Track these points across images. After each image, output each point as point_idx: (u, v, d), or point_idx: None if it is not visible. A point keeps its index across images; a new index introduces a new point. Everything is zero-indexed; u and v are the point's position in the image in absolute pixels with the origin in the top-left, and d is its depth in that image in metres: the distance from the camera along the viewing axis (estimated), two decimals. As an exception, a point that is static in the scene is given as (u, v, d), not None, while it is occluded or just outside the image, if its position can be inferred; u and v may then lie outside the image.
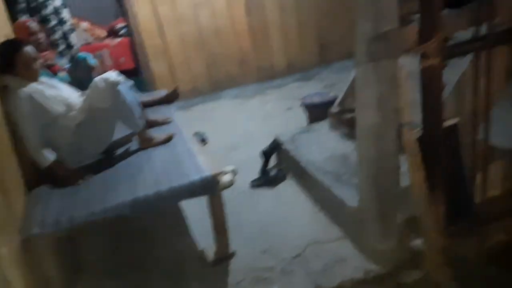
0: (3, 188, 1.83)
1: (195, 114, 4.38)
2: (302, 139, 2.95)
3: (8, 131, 2.17)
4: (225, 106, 4.51)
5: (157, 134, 2.59)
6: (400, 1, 2.37)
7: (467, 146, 2.02)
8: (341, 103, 2.94)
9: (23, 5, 3.57)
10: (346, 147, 2.73)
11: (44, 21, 3.58)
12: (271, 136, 3.53)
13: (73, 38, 3.87)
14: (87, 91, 2.40)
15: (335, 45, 4.92)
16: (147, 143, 2.53)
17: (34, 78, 2.32)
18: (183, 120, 3.00)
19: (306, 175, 2.66)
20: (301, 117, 3.74)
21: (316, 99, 3.36)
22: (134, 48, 4.46)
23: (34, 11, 3.65)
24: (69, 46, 3.89)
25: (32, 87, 2.28)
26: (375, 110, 1.85)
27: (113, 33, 5.80)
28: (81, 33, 5.26)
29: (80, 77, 3.04)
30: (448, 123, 1.95)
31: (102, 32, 5.78)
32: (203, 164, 2.21)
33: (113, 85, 2.35)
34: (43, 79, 2.43)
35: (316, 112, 3.31)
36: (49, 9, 3.70)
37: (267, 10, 4.60)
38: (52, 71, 2.96)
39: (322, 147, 2.80)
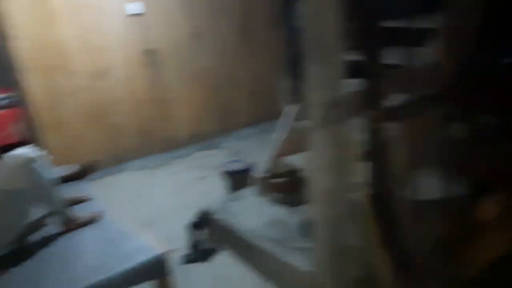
0: None
1: (100, 187, 4.02)
2: (233, 208, 2.89)
3: None
4: (130, 179, 4.24)
5: (81, 214, 2.29)
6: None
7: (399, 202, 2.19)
8: (267, 169, 2.98)
9: None
10: (280, 212, 2.74)
11: None
12: (188, 208, 3.41)
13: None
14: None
15: (234, 114, 5.08)
16: (70, 225, 2.21)
17: None
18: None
19: (244, 245, 2.58)
20: (216, 186, 3.69)
21: (237, 166, 3.37)
22: (27, 121, 4.00)
23: None
24: None
25: None
26: (329, 173, 1.91)
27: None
28: None
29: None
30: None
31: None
32: (147, 242, 2.00)
33: (28, 163, 2.05)
34: None
35: (238, 179, 3.30)
36: None
37: (170, 81, 4.60)
38: None
39: (256, 214, 2.77)
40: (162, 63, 4.52)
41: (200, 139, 4.86)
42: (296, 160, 2.85)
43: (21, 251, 2.08)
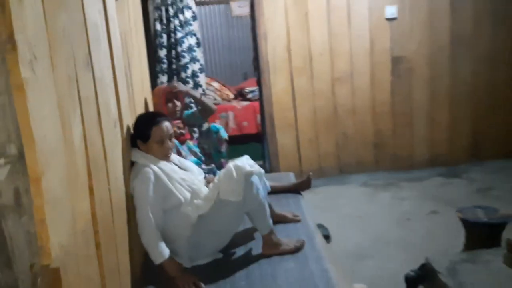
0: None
1: (317, 198, 3.88)
2: (465, 272, 2.25)
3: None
4: (351, 194, 3.95)
5: (286, 239, 2.12)
6: None
7: None
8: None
9: (164, 65, 3.51)
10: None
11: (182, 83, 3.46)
12: (408, 249, 2.91)
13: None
14: (217, 179, 2.05)
15: (490, 142, 4.17)
16: (271, 250, 2.06)
17: (165, 155, 2.05)
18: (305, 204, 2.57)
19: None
20: (449, 229, 3.04)
21: (481, 216, 2.65)
22: (263, 115, 4.19)
23: (173, 73, 3.58)
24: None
25: (161, 167, 2.00)
26: None
27: (240, 95, 5.72)
28: (211, 93, 5.22)
29: (210, 148, 2.77)
30: None
31: (230, 93, 5.73)
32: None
33: (247, 176, 1.98)
34: (173, 156, 2.16)
35: (480, 233, 2.60)
36: (188, 72, 3.59)
37: (415, 93, 4.07)
38: (181, 140, 2.72)
39: (498, 292, 2.08)
40: (410, 72, 4.03)
41: (440, 163, 4.19)
42: None
43: (223, 263, 2.05)
